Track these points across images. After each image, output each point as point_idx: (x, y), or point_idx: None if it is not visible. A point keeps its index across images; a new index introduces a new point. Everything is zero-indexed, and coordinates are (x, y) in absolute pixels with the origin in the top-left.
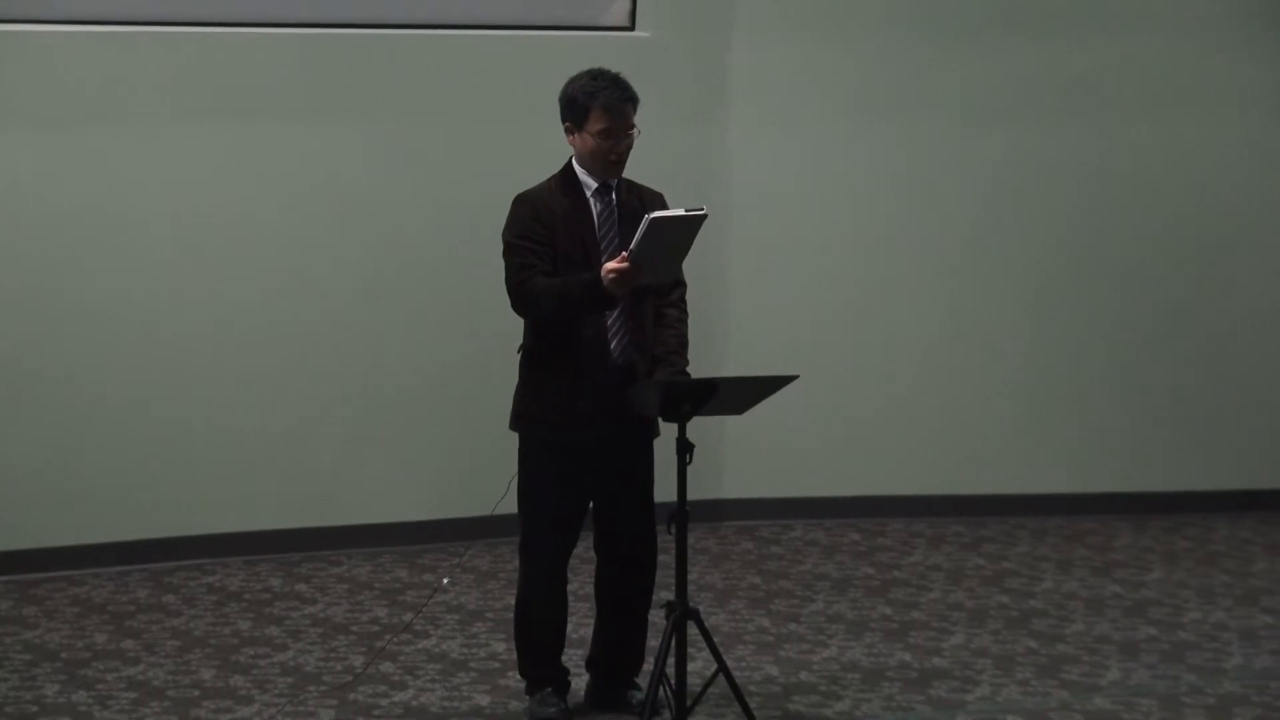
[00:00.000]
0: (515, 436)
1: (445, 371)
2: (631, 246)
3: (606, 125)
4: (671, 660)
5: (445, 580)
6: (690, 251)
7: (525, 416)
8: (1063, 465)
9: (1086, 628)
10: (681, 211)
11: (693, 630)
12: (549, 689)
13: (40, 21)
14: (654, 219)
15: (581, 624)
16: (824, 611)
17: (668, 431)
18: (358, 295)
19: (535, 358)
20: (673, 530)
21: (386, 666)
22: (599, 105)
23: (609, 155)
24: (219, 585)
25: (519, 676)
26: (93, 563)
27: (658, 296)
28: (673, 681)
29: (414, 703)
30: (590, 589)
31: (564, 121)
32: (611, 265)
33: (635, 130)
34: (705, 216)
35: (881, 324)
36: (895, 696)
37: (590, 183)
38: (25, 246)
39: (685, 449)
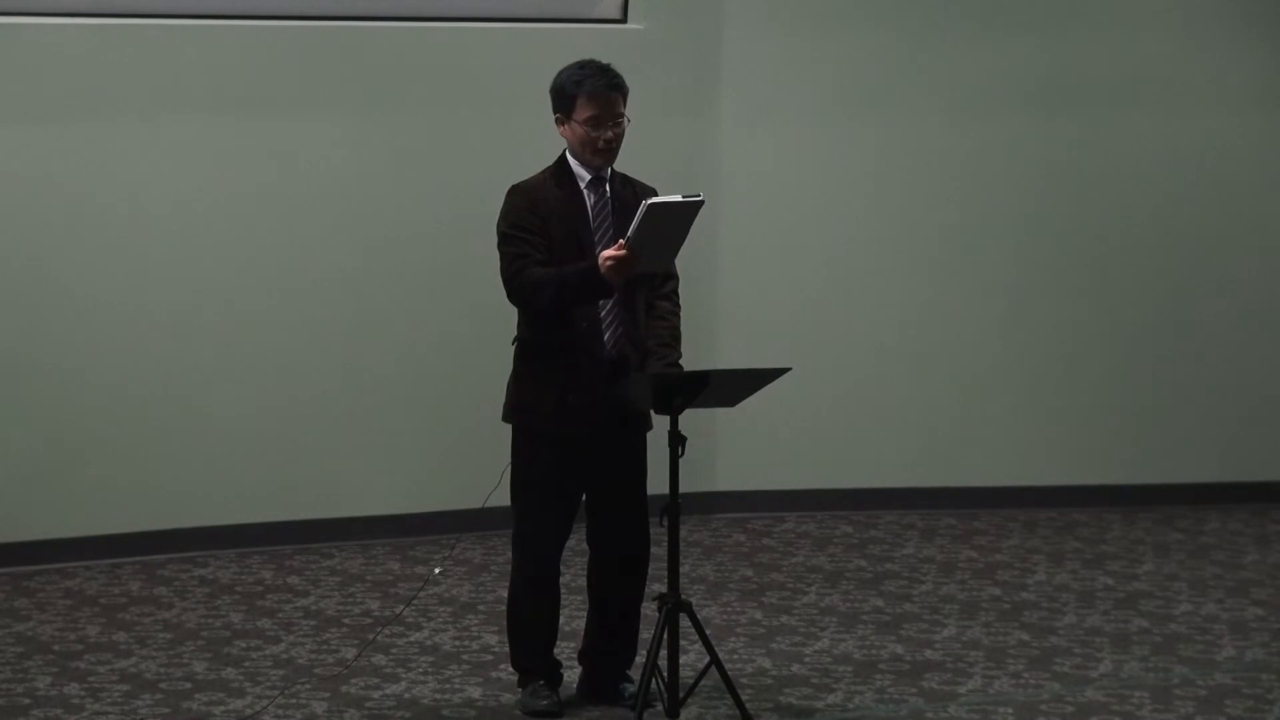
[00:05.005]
0: (508, 428)
1: (438, 363)
2: (629, 233)
3: (593, 113)
4: (664, 653)
5: (437, 570)
6: (683, 243)
7: (519, 408)
8: (1054, 458)
9: (1078, 620)
10: (679, 198)
11: (685, 623)
12: (541, 681)
13: (25, 14)
14: (651, 205)
15: (574, 616)
16: (816, 604)
17: (660, 424)
18: (349, 287)
19: (529, 349)
20: (665, 523)
21: (379, 659)
22: (585, 93)
23: (596, 143)
24: (211, 578)
25: (511, 669)
26: (84, 555)
27: (650, 289)
28: (665, 674)
29: (406, 695)
30: (583, 581)
31: (555, 113)
32: (609, 253)
33: (625, 119)
34: (702, 203)
35: (873, 316)
36: (887, 688)
37: (584, 174)
38: (14, 239)
39: (677, 441)
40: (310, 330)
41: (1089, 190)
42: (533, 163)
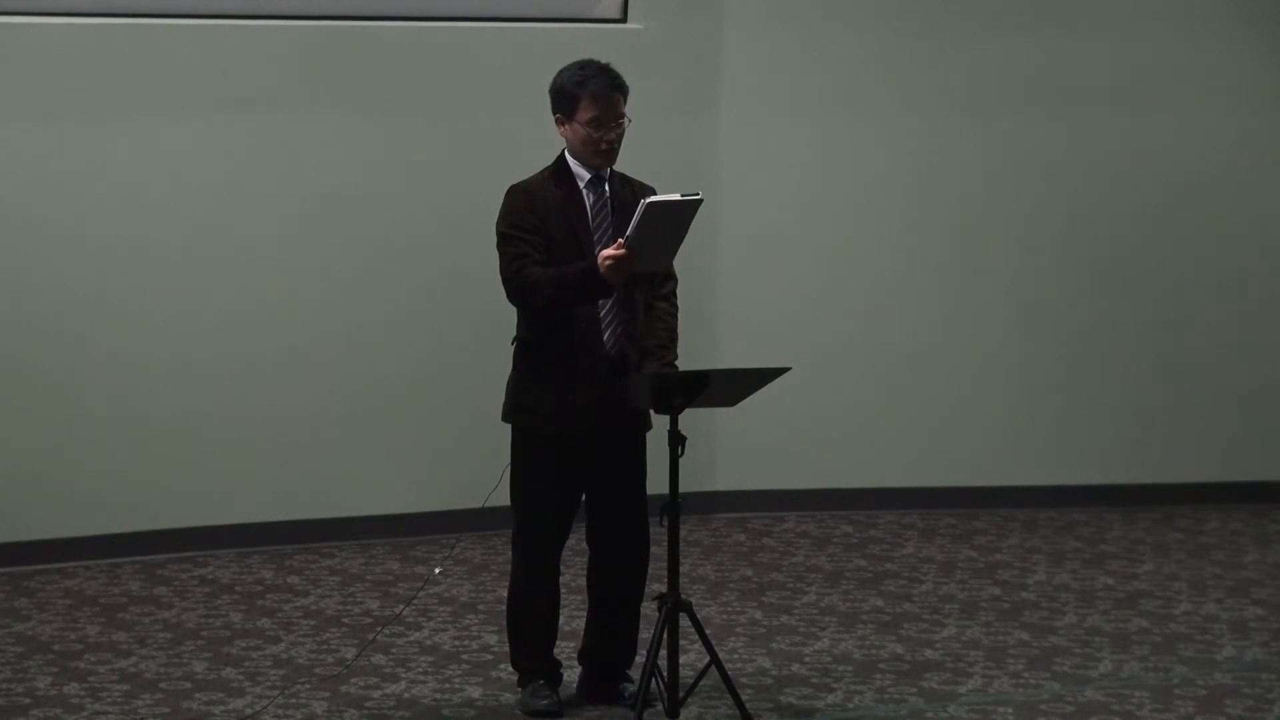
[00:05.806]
0: (507, 428)
1: (437, 363)
2: (628, 232)
3: (595, 114)
4: (663, 653)
5: (436, 570)
6: (682, 242)
7: (518, 408)
8: (1054, 457)
9: (1078, 619)
10: (677, 196)
11: (685, 622)
12: (541, 681)
13: (27, 14)
14: (650, 204)
15: (574, 616)
16: (816, 604)
17: (660, 424)
18: (349, 287)
19: (529, 349)
20: (665, 522)
21: (378, 658)
22: (587, 94)
23: (599, 144)
24: (211, 577)
25: (511, 668)
26: (84, 555)
27: (649, 290)
28: (665, 674)
29: (406, 695)
30: (582, 581)
31: (554, 113)
32: (608, 252)
33: (625, 119)
34: (700, 201)
35: (872, 316)
36: (887, 688)
37: (583, 174)
38: (15, 238)
39: (677, 441)
40: (310, 330)
41: (1089, 190)
42: (533, 163)
